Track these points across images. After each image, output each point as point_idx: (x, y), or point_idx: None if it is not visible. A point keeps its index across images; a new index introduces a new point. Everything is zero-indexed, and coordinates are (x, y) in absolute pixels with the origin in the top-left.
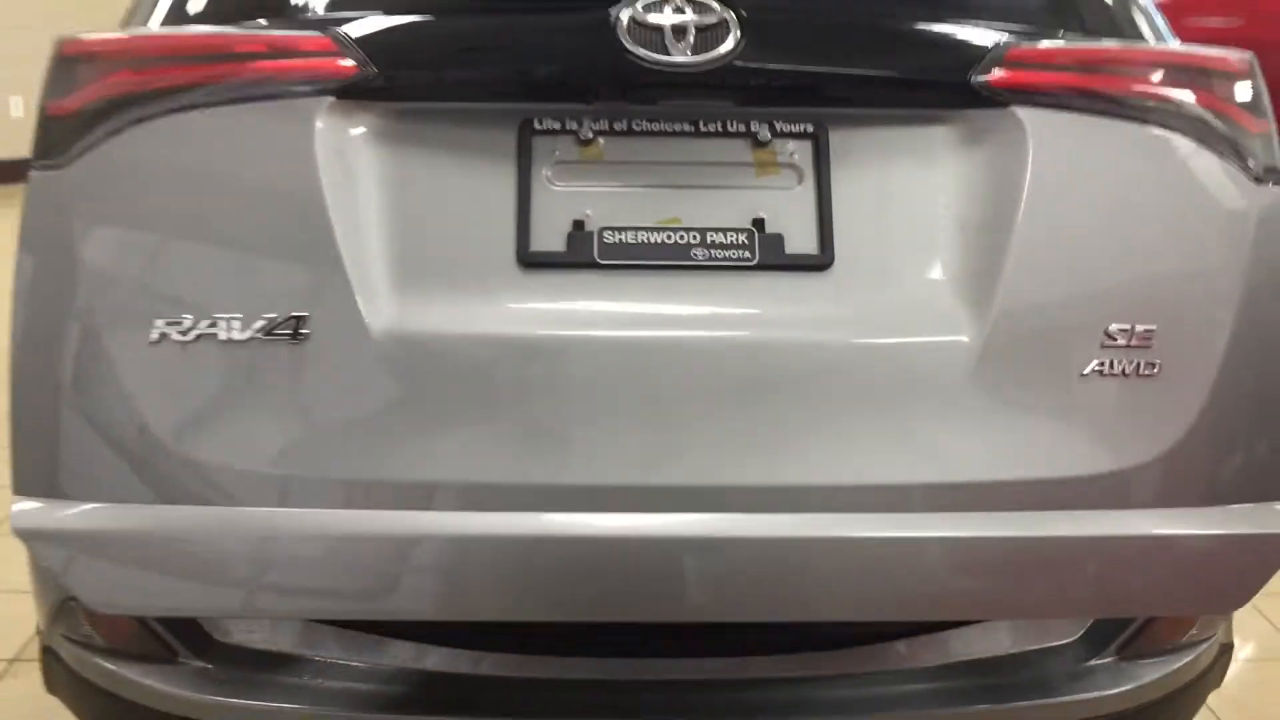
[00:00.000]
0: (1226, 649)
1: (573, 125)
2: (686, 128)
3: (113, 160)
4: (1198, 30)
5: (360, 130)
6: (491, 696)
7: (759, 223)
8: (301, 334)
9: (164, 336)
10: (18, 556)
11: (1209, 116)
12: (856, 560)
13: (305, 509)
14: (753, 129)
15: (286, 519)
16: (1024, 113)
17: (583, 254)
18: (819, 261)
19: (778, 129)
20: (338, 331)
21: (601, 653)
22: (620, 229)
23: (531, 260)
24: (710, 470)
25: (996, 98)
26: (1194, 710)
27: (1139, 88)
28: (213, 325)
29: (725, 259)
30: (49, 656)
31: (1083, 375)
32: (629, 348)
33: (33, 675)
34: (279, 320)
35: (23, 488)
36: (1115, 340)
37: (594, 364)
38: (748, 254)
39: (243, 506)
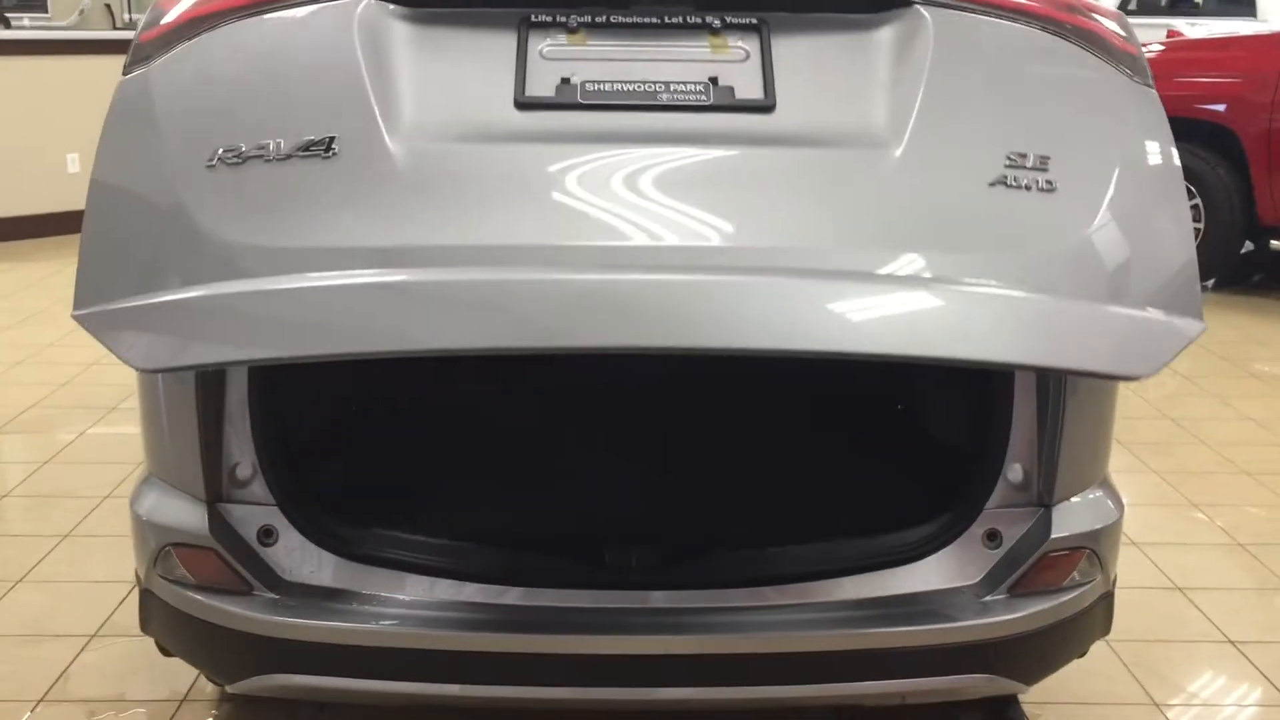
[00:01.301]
0: (1107, 596)
1: (562, 19)
2: (654, 20)
3: (189, 55)
4: (1184, 86)
5: (391, 18)
6: (502, 620)
7: (714, 79)
8: (332, 150)
9: (220, 160)
10: (93, 555)
11: (1082, 31)
12: (802, 295)
13: (332, 272)
14: (708, 21)
15: (315, 279)
16: (927, 10)
17: (567, 97)
18: (763, 104)
19: (728, 21)
20: (362, 148)
21: (597, 585)
22: (598, 82)
23: (526, 103)
24: (662, 235)
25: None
26: (1078, 645)
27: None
28: (260, 148)
29: (685, 101)
30: (146, 597)
31: (990, 184)
32: (603, 153)
33: (111, 649)
34: (314, 140)
35: (87, 297)
36: (1016, 161)
37: (572, 163)
38: (704, 98)
39: (276, 275)
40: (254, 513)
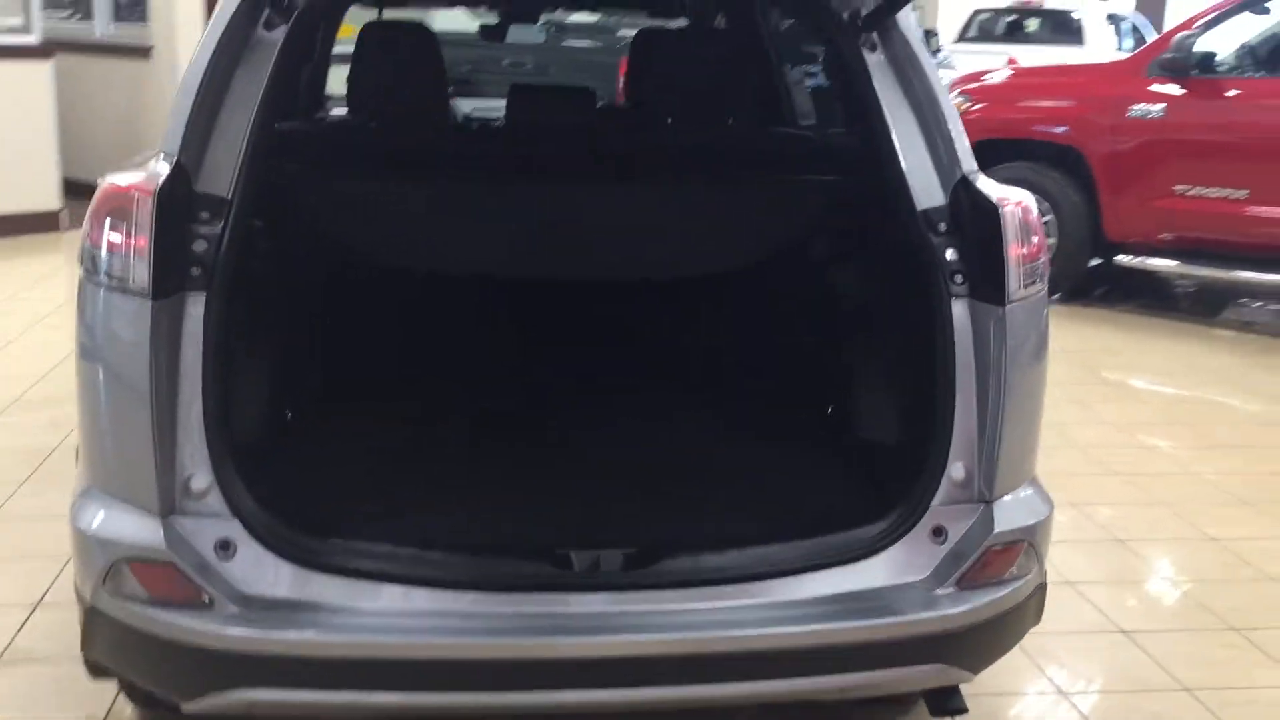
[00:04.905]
0: (1041, 588)
1: None
2: None
3: None
4: (1034, 110)
5: None
6: (463, 626)
7: None
8: None
9: None
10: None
11: None
12: None
13: None
14: None
15: None
16: None
17: None
18: None
19: None
20: None
21: (558, 588)
22: None
23: None
24: None
25: None
26: (1019, 634)
27: None
28: None
29: None
30: (92, 617)
31: None
32: None
33: (17, 673)
34: None
35: None
36: None
37: None
38: None
39: None
40: (210, 525)
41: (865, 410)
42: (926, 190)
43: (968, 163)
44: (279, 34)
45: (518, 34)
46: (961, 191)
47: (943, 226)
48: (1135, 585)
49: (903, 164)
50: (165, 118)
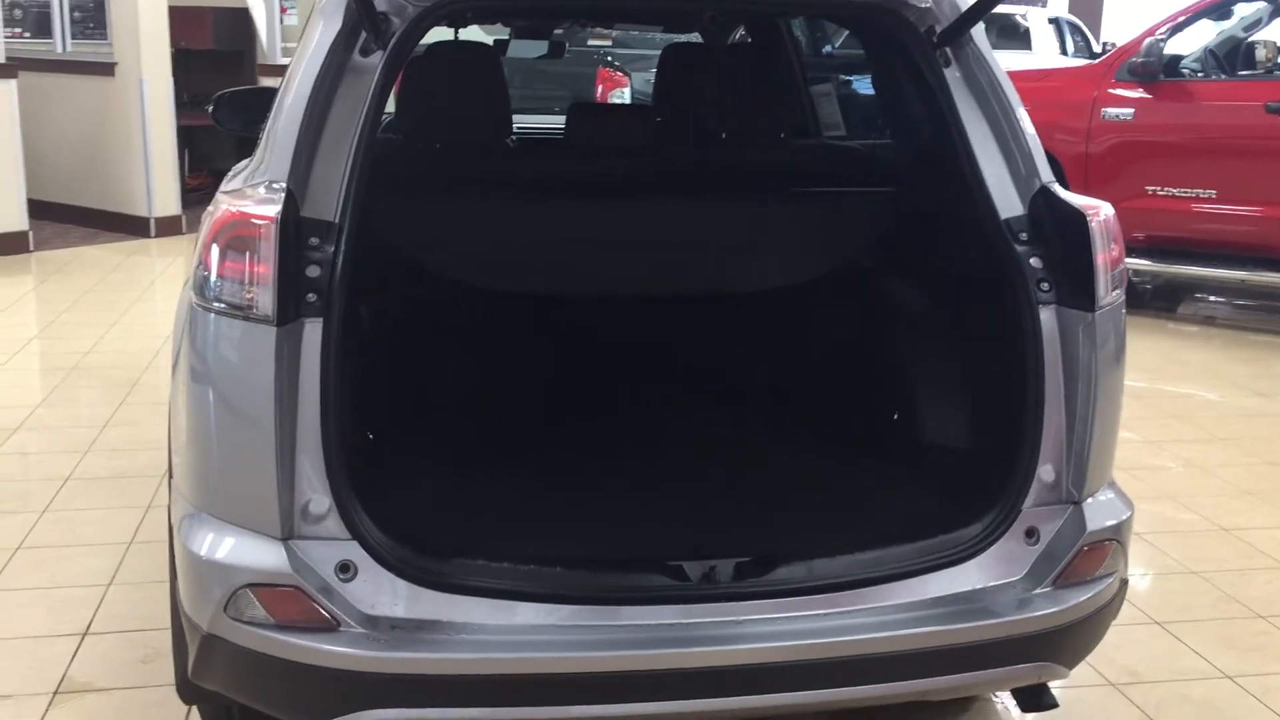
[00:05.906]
0: (1124, 583)
1: None
2: None
3: None
4: None
5: None
6: (590, 639)
7: None
8: None
9: None
10: (24, 610)
11: None
12: None
13: None
14: None
15: None
16: None
17: None
18: None
19: None
20: None
21: (679, 600)
22: None
23: None
24: None
25: None
26: (1106, 628)
27: None
28: None
29: None
30: (210, 643)
31: None
32: None
33: (79, 705)
34: None
35: None
36: None
37: None
38: None
39: None
40: (330, 548)
41: (954, 417)
42: (1006, 200)
43: (1045, 173)
44: (375, 59)
45: (515, 49)
46: (1042, 201)
47: (1024, 236)
48: (1160, 577)
49: (985, 176)
50: (132, 135)
